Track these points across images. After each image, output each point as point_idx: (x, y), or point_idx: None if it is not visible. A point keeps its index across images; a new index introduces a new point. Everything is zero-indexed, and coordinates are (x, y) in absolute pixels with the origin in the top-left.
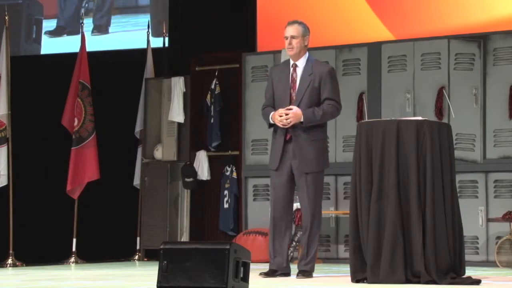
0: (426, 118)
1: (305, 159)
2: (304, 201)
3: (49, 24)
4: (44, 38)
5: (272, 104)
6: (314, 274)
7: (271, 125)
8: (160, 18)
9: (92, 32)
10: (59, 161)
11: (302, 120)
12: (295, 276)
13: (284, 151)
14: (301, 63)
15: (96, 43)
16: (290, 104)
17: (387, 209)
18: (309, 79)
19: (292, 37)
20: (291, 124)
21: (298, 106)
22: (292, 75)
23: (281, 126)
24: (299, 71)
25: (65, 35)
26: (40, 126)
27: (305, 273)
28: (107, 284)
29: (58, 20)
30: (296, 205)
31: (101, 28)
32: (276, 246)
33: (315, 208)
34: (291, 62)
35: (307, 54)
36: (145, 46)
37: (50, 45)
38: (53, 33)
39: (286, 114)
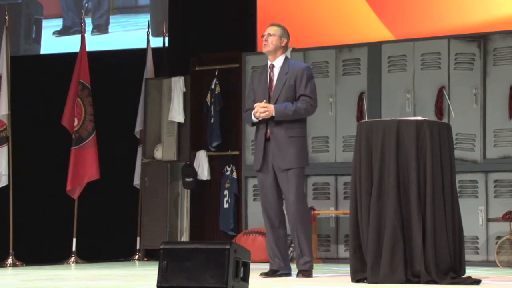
0: (426, 118)
1: (284, 156)
2: (288, 198)
3: (51, 24)
4: (51, 38)
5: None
6: (314, 274)
7: (254, 124)
8: (160, 18)
9: (92, 32)
10: (59, 161)
11: (273, 114)
12: (295, 276)
13: (266, 151)
14: (278, 63)
15: (96, 43)
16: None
17: (387, 209)
18: (285, 77)
19: (269, 34)
20: (263, 116)
21: (275, 103)
22: (269, 75)
23: (256, 116)
24: (276, 70)
25: (70, 35)
26: (40, 126)
27: (305, 272)
28: (107, 284)
29: (64, 20)
30: None
31: (100, 28)
32: (273, 246)
33: (299, 205)
34: (269, 63)
35: (284, 55)
36: (145, 46)
37: (50, 45)
38: (61, 33)
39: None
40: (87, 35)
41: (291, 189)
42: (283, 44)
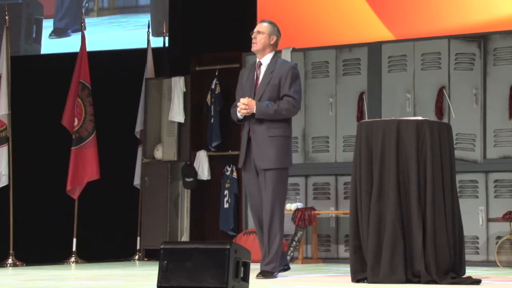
0: (426, 118)
1: (263, 156)
2: (265, 198)
3: (51, 24)
4: (48, 39)
5: None
6: (314, 274)
7: (240, 120)
8: (160, 18)
9: (91, 32)
10: (59, 161)
11: (254, 111)
12: (255, 277)
13: (248, 149)
14: (265, 60)
15: (96, 43)
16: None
17: (387, 209)
18: (270, 76)
19: (258, 32)
20: (243, 113)
21: (258, 101)
22: (256, 72)
23: (240, 112)
24: (263, 68)
25: (67, 35)
26: (40, 126)
27: (265, 273)
28: (107, 284)
29: (59, 20)
30: (296, 205)
31: (99, 28)
32: (266, 246)
33: (274, 206)
34: (257, 60)
35: (273, 53)
36: (145, 46)
37: (50, 45)
38: (57, 34)
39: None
40: (87, 35)
41: (268, 190)
42: (272, 42)
